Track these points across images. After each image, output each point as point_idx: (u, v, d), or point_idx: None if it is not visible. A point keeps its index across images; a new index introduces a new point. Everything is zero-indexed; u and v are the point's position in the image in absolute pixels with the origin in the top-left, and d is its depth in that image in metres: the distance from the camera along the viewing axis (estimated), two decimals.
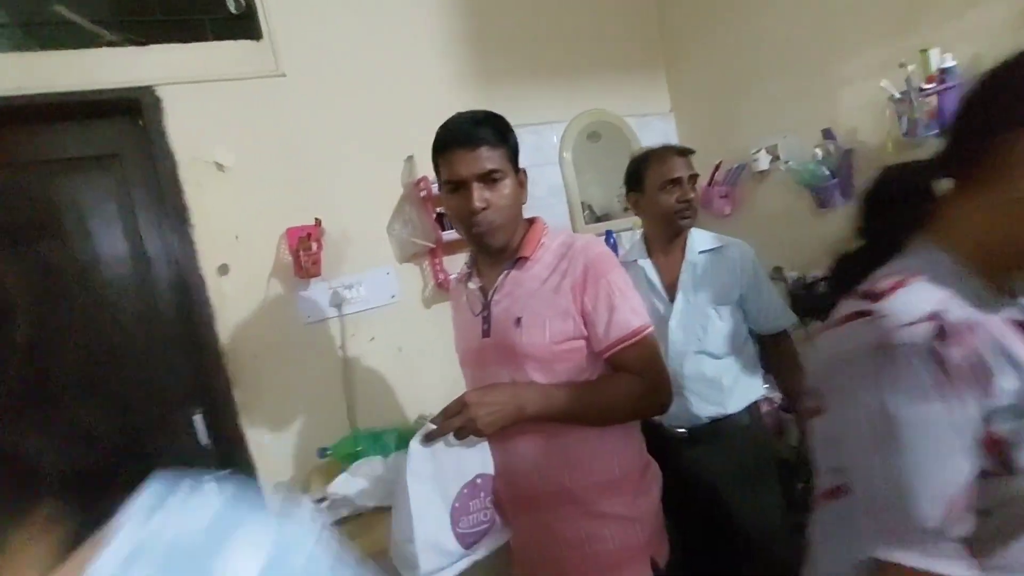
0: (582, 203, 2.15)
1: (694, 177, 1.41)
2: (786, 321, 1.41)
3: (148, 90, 1.58)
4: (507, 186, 0.98)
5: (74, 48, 1.54)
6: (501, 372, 1.00)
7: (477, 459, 0.93)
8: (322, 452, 1.58)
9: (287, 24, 1.73)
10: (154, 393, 1.73)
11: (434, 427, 0.89)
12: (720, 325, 1.35)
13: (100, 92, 1.53)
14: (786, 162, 1.87)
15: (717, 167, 2.11)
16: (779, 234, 1.93)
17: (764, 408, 1.45)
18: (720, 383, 1.34)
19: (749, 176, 2.04)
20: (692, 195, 1.38)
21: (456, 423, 0.88)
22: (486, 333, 1.03)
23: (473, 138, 0.95)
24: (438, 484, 0.89)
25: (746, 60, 1.99)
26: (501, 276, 1.03)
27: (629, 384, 0.96)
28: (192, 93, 1.61)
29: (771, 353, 1.43)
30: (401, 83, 1.87)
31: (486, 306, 1.04)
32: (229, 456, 1.65)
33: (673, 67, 2.32)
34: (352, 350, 1.77)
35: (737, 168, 2.06)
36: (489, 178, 0.96)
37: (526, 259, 1.01)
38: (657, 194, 1.38)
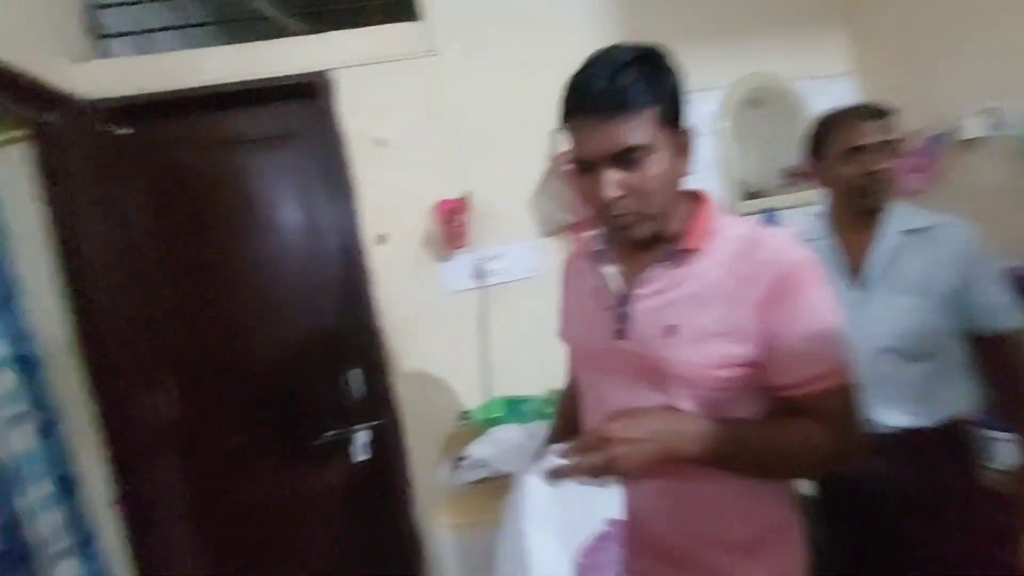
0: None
1: (887, 144, 1.18)
2: (1012, 321, 1.14)
3: (323, 74, 1.73)
4: (656, 162, 0.72)
5: (265, 40, 1.73)
6: (634, 388, 0.79)
7: (606, 499, 0.75)
8: (463, 415, 1.67)
9: (442, 3, 1.78)
10: (321, 347, 1.96)
11: (561, 461, 0.70)
12: (920, 320, 1.13)
13: (285, 78, 1.71)
14: (1009, 128, 1.54)
15: (909, 136, 1.80)
16: (990, 215, 1.59)
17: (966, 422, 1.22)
18: (915, 389, 1.13)
19: (952, 146, 1.71)
20: (881, 166, 1.17)
21: (596, 462, 0.69)
22: (620, 335, 0.81)
23: (607, 102, 0.70)
24: (561, 533, 0.72)
25: (956, 4, 1.65)
26: (653, 268, 0.80)
27: (815, 435, 0.73)
28: (360, 75, 1.74)
29: (987, 358, 1.17)
30: (548, 54, 1.84)
31: (625, 301, 0.81)
32: (380, 410, 1.82)
33: (857, 19, 2.01)
34: (492, 320, 1.83)
35: (936, 137, 1.74)
36: (628, 157, 0.71)
37: (691, 252, 0.77)
38: (838, 163, 1.20)
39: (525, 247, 1.83)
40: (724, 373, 0.74)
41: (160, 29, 1.91)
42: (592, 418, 0.88)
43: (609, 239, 0.89)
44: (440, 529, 1.54)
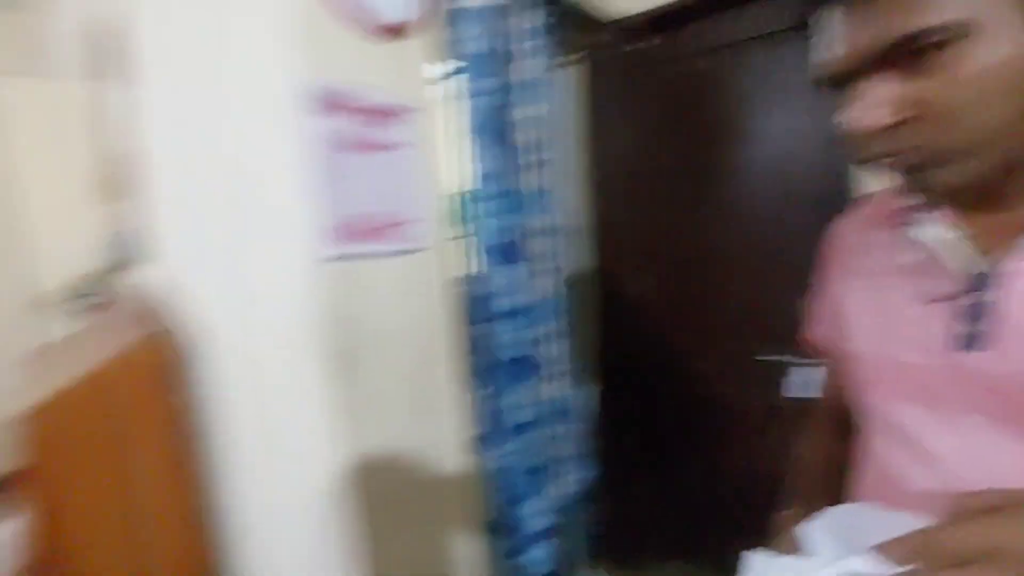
0: None
1: None
2: None
3: None
4: (979, 52, 0.39)
5: None
6: (1000, 436, 0.47)
7: None
8: None
9: None
10: (782, 266, 1.85)
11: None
12: None
13: None
14: None
15: None
16: None
17: None
18: None
19: None
20: None
21: None
22: (971, 343, 0.49)
23: None
24: None
25: None
26: None
27: None
28: None
29: None
30: None
31: (979, 285, 0.48)
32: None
33: None
34: None
35: None
36: (915, 51, 0.40)
37: None
38: None
39: None
40: None
41: None
42: (896, 481, 0.55)
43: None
44: None
